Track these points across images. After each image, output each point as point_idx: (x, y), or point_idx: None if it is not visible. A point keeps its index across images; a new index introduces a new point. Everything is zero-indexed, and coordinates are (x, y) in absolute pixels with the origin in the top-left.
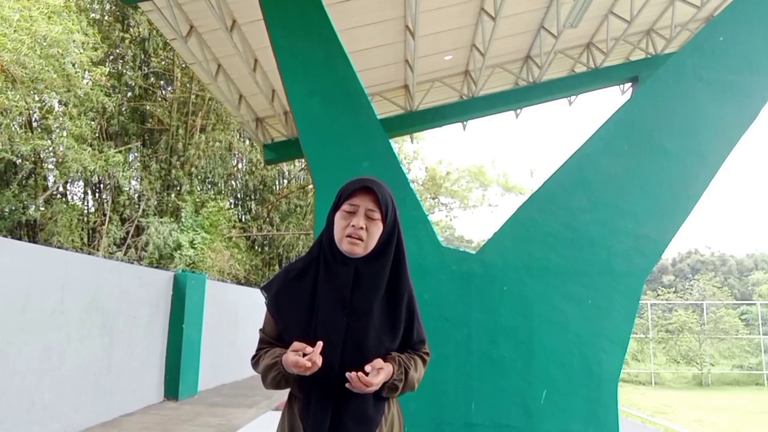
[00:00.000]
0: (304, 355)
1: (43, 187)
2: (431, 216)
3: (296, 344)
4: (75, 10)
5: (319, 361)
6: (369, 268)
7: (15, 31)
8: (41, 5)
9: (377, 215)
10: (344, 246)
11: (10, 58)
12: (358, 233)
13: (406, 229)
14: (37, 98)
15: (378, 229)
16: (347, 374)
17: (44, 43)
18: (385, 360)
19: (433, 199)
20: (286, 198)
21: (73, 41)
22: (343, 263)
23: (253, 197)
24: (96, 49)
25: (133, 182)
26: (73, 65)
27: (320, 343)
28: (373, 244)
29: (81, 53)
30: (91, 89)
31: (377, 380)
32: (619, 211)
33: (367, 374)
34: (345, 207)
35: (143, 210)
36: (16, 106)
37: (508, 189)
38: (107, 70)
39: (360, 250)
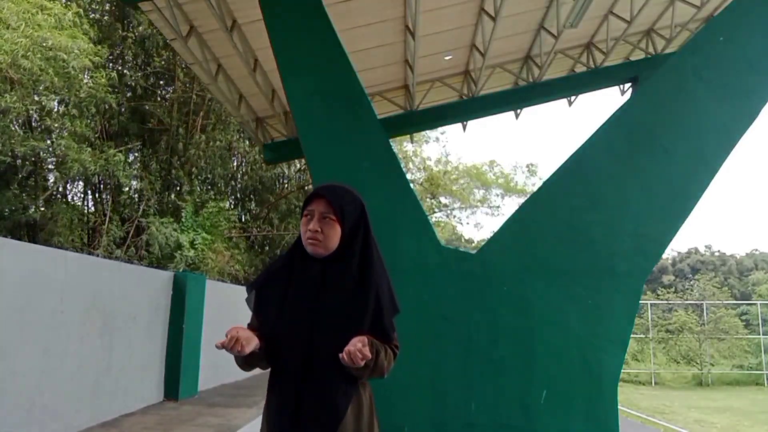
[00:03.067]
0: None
1: (43, 188)
2: (432, 216)
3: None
4: (76, 10)
5: (240, 345)
6: (335, 266)
7: (15, 31)
8: (48, 15)
9: (332, 217)
10: (308, 248)
11: (5, 60)
12: (314, 236)
13: (406, 230)
14: (36, 99)
15: (334, 230)
16: (345, 350)
17: (44, 46)
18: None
19: (433, 198)
20: (285, 198)
21: (78, 49)
22: (311, 263)
23: (252, 197)
24: (98, 55)
25: (134, 182)
26: (75, 69)
27: (234, 334)
28: (332, 243)
29: (83, 57)
30: (94, 88)
31: (369, 353)
32: (619, 211)
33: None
34: (304, 213)
35: (143, 210)
36: (14, 108)
37: (509, 191)
38: (110, 74)
39: (320, 249)
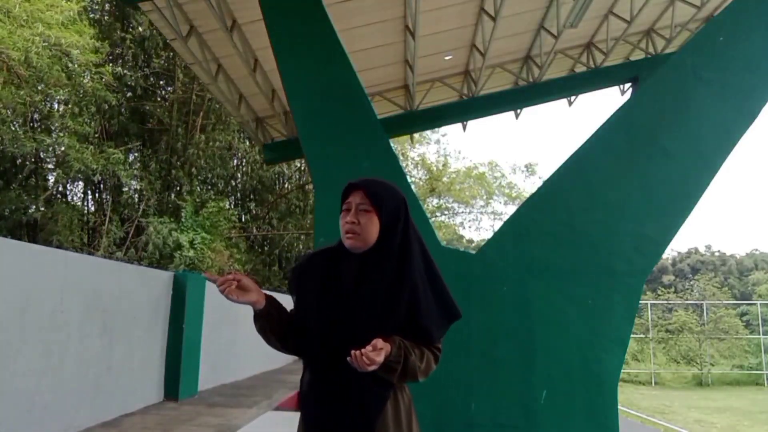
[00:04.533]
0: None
1: (43, 188)
2: (433, 217)
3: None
4: (76, 8)
5: (228, 287)
6: (372, 259)
7: (28, 29)
8: (55, 11)
9: (369, 208)
10: (346, 242)
11: (17, 57)
12: (352, 228)
13: None
14: (39, 98)
15: (371, 222)
16: (353, 352)
17: (49, 43)
18: (385, 341)
19: (432, 191)
20: (285, 198)
21: (83, 45)
22: (348, 257)
23: (252, 197)
24: (99, 51)
25: (133, 182)
26: (77, 64)
27: (235, 277)
28: (370, 236)
29: (85, 54)
30: (96, 84)
31: (380, 358)
32: (619, 211)
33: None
34: (343, 207)
35: (143, 210)
36: (21, 103)
37: (513, 198)
38: (116, 68)
39: (359, 243)
